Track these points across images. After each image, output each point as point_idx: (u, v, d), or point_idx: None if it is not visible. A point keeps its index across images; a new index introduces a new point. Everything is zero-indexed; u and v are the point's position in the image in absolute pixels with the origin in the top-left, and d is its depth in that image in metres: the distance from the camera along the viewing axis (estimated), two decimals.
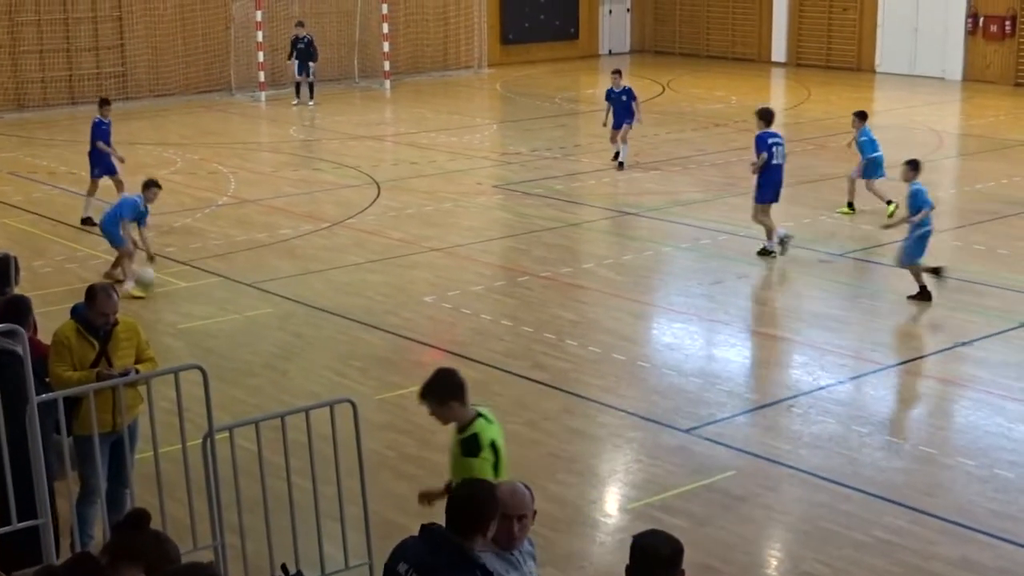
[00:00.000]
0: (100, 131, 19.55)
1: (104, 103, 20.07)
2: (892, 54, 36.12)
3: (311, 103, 31.20)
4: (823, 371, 13.02)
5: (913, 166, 15.53)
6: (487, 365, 13.18)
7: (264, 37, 32.78)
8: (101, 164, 19.51)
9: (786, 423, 11.72)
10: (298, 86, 31.53)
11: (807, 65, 37.79)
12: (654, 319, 15.22)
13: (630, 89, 23.42)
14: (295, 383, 12.77)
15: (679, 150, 24.87)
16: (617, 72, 23.67)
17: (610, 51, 41.93)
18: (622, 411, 11.98)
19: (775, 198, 17.29)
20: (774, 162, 17.23)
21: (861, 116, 19.81)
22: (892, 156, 23.58)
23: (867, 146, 19.66)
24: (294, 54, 31.49)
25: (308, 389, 12.49)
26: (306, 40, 31.48)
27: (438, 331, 14.49)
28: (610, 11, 42.01)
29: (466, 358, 13.36)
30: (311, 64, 31.36)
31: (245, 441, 8.01)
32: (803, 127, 27.98)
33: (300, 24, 32.05)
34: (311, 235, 18.75)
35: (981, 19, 34.29)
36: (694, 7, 40.95)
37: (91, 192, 19.50)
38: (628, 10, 42.50)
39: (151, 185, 16.17)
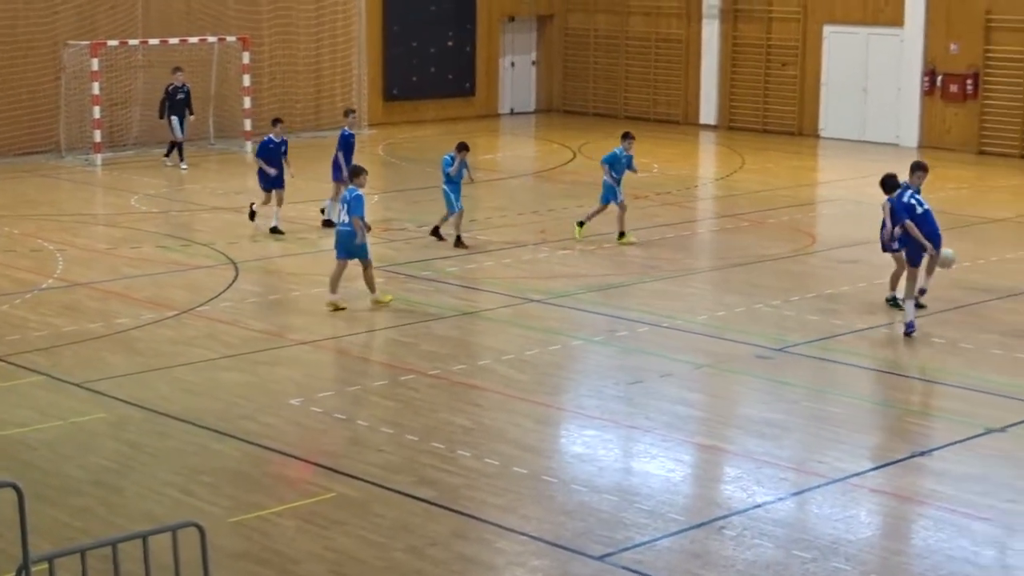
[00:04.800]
0: None
1: None
2: (838, 117, 36.92)
3: (184, 166, 31.16)
4: (760, 486, 13.10)
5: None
6: (364, 481, 13.08)
7: (101, 89, 32.64)
8: None
9: (717, 548, 11.75)
10: (172, 144, 31.50)
11: (740, 128, 38.51)
12: (562, 425, 15.24)
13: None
14: (131, 503, 12.58)
15: (593, 226, 25.07)
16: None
17: (512, 110, 42.38)
18: (524, 535, 11.93)
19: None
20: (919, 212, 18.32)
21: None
22: (842, 234, 24.09)
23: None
24: (168, 107, 31.49)
25: (147, 511, 12.30)
26: (186, 90, 31.53)
27: (306, 440, 14.38)
28: (513, 64, 42.53)
29: (339, 472, 13.26)
30: (189, 118, 31.55)
31: (69, 574, 7.85)
32: (737, 200, 28.43)
33: (177, 70, 32.05)
34: (154, 325, 18.58)
35: (939, 78, 35.22)
36: (610, 62, 41.60)
37: None
38: (534, 63, 43.06)
39: None
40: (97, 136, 32.48)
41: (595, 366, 17.32)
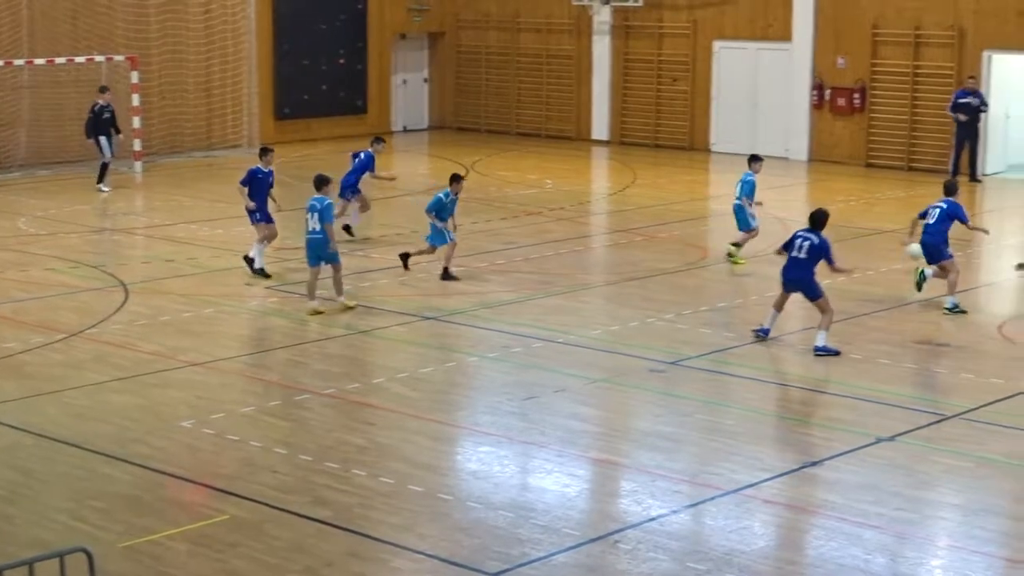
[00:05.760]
0: None
1: None
2: (729, 131, 37.29)
3: (105, 188, 30.75)
4: (654, 499, 13.20)
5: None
6: (258, 502, 13.01)
7: None
8: None
9: (612, 562, 11.82)
10: (103, 167, 31.03)
11: (632, 144, 38.76)
12: (457, 443, 15.26)
13: None
14: (20, 530, 12.41)
15: (486, 243, 25.14)
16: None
17: (405, 127, 42.36)
18: (420, 553, 11.93)
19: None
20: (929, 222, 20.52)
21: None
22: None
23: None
24: (95, 127, 31.03)
25: (36, 537, 12.15)
26: (111, 109, 31.16)
27: (198, 462, 14.27)
28: (404, 82, 42.52)
29: (232, 494, 13.18)
30: (117, 138, 31.17)
31: None
32: (630, 215, 28.62)
33: (104, 90, 31.61)
34: (43, 349, 18.36)
35: (827, 92, 35.70)
36: (502, 79, 41.72)
37: None
38: (426, 81, 43.09)
39: None
40: None
41: (490, 382, 17.35)
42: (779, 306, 18.67)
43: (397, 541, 12.19)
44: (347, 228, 25.30)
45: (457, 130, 42.31)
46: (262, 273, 22.34)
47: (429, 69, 43.20)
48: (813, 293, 18.32)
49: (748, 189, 23.72)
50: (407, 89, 42.69)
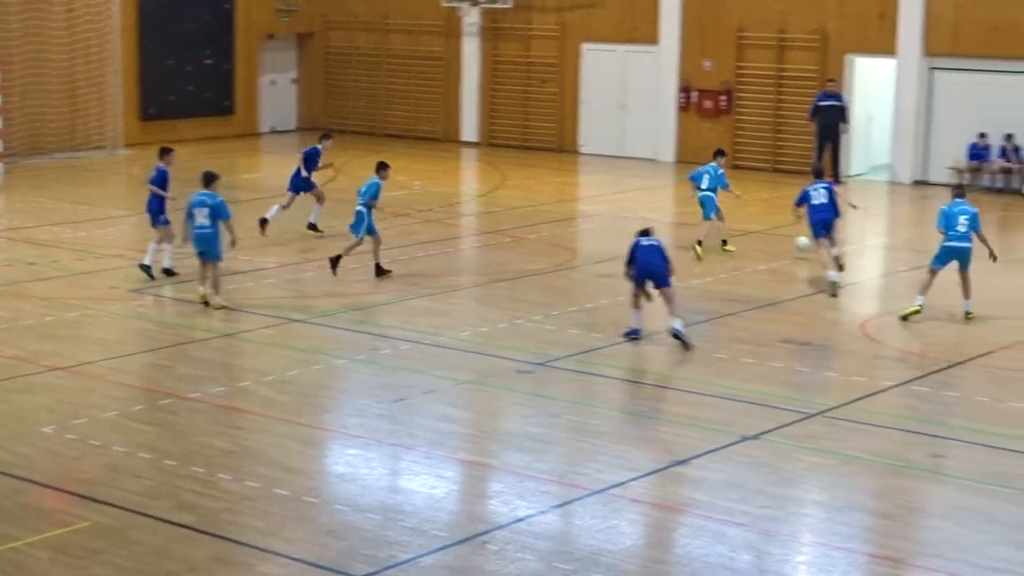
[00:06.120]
0: None
1: None
2: (597, 133, 37.51)
3: None
4: (522, 500, 13.22)
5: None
6: (122, 508, 12.83)
7: None
8: None
9: (480, 563, 11.82)
10: None
11: (501, 145, 38.84)
12: (325, 446, 15.17)
13: None
14: None
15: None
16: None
17: (273, 129, 42.05)
18: (286, 557, 11.84)
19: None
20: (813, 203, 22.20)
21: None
22: (601, 248, 24.43)
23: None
24: None
25: None
26: None
27: (60, 468, 14.03)
28: (273, 82, 42.21)
29: (96, 500, 12.99)
30: None
31: None
32: (499, 216, 28.66)
33: None
34: None
35: (694, 94, 36.06)
36: (371, 80, 41.58)
37: None
38: (294, 81, 42.82)
39: None
40: None
41: (358, 385, 17.28)
42: (636, 305, 18.85)
43: (263, 545, 12.08)
44: (312, 226, 25.76)
45: (326, 131, 41.99)
46: (170, 272, 22.31)
47: (297, 70, 42.93)
48: (667, 282, 18.67)
49: (722, 180, 25.08)
50: (275, 90, 42.37)
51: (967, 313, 20.08)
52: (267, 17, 41.35)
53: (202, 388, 16.66)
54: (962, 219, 19.98)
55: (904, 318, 19.97)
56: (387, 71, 41.34)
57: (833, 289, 21.71)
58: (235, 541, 12.19)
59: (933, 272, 20.17)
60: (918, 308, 20.00)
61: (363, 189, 22.43)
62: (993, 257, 20.23)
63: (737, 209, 29.15)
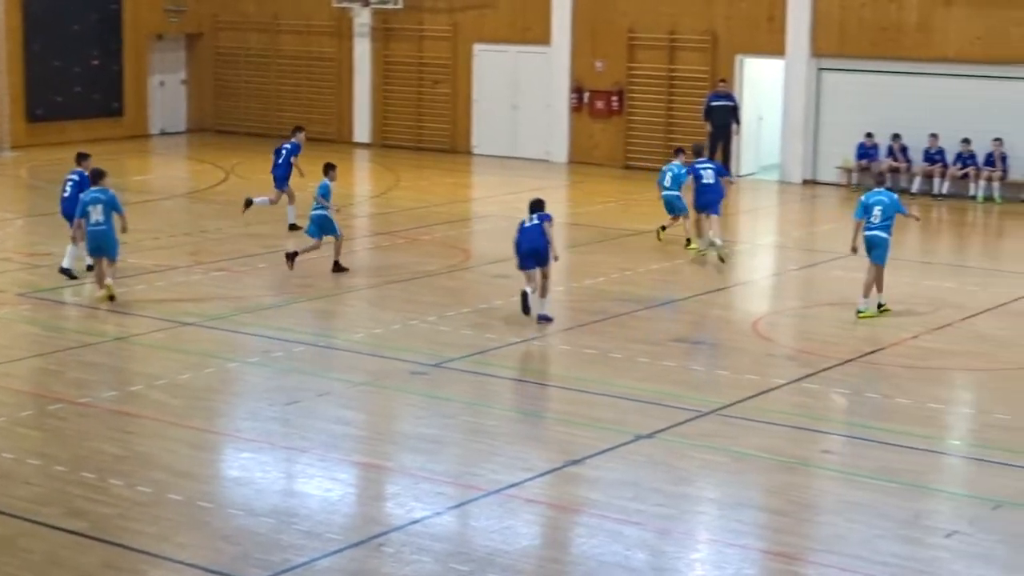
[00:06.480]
0: None
1: None
2: (490, 134, 37.56)
3: None
4: (418, 502, 13.20)
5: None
6: (11, 515, 12.64)
7: None
8: None
9: (376, 565, 11.79)
10: None
11: (395, 146, 38.76)
12: (218, 450, 15.05)
13: None
14: None
15: (246, 246, 24.88)
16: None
17: (163, 130, 41.66)
18: (179, 563, 11.73)
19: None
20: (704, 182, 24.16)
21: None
22: (494, 249, 24.48)
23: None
24: None
25: None
26: None
27: None
28: (162, 83, 41.81)
29: None
30: None
31: None
32: (392, 217, 28.60)
33: None
34: None
35: (586, 95, 36.20)
36: (262, 81, 41.33)
37: None
38: (184, 83, 42.44)
39: None
40: None
41: (251, 388, 17.17)
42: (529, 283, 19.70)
43: (156, 551, 11.96)
44: (294, 227, 26.04)
45: (217, 132, 41.77)
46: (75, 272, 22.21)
47: (187, 71, 42.56)
48: (546, 262, 19.59)
49: (683, 178, 25.19)
50: (165, 91, 41.98)
51: (880, 307, 20.44)
52: (156, 17, 40.95)
53: (93, 393, 16.47)
54: (876, 210, 20.28)
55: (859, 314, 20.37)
56: (278, 72, 41.11)
57: (720, 252, 23.58)
58: (127, 547, 12.06)
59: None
60: (864, 309, 20.40)
61: (317, 194, 22.78)
62: (916, 218, 21.84)
63: (629, 209, 29.36)
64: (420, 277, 22.76)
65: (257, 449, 14.75)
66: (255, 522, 12.67)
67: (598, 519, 12.85)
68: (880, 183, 20.95)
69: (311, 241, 22.65)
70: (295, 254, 22.54)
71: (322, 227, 22.54)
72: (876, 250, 20.19)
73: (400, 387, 17.02)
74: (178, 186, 33.40)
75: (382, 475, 14.20)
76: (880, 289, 20.35)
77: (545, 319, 19.56)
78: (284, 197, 26.33)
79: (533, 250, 19.51)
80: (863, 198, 20.56)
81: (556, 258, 19.89)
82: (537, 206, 20.00)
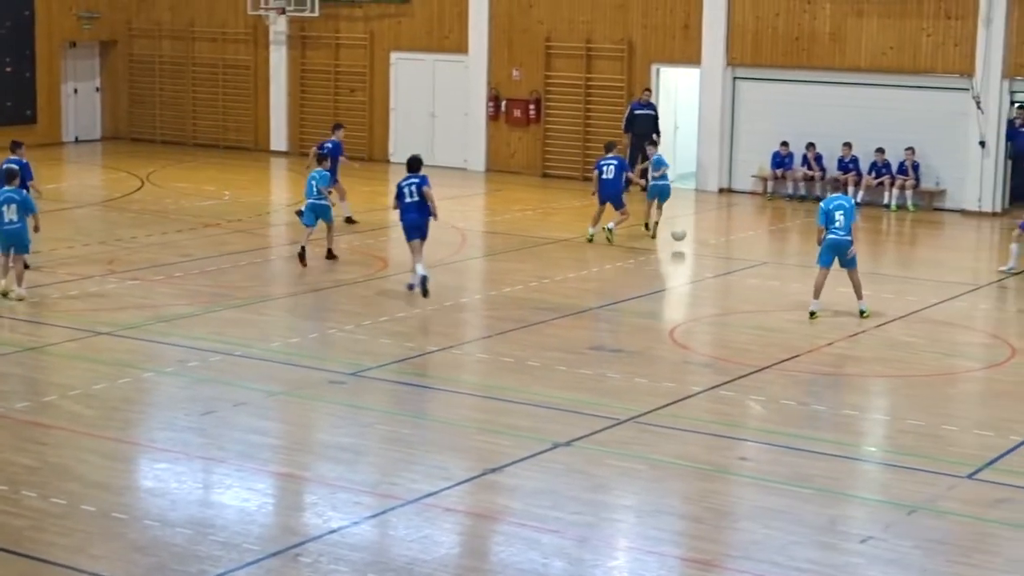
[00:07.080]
0: None
1: None
2: (408, 142, 37.41)
3: None
4: (335, 511, 13.14)
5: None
6: None
7: None
8: None
9: None
10: None
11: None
12: (133, 460, 14.90)
13: None
14: None
15: (161, 255, 24.68)
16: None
17: (77, 138, 41.29)
18: (93, 574, 11.61)
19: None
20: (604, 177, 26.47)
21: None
22: (411, 258, 24.38)
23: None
24: None
25: None
26: None
27: None
28: (76, 91, 41.44)
29: None
30: None
31: None
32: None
33: None
34: None
35: (503, 103, 36.27)
36: (177, 89, 41.07)
37: None
38: (98, 90, 42.08)
39: None
40: None
41: (166, 398, 17.02)
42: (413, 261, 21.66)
43: (70, 563, 11.83)
44: (349, 219, 28.07)
45: (132, 140, 41.47)
46: None
47: (101, 78, 42.21)
48: (425, 235, 21.92)
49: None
50: (78, 98, 41.61)
51: (861, 312, 20.88)
52: (69, 24, 40.58)
53: (5, 403, 16.25)
54: (838, 215, 20.66)
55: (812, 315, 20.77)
56: (193, 80, 40.88)
57: (609, 235, 26.25)
58: (40, 559, 11.91)
59: (822, 271, 20.88)
60: (814, 312, 20.82)
61: (317, 184, 24.22)
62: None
63: (546, 217, 29.43)
64: (337, 286, 22.69)
65: (173, 460, 14.62)
66: (171, 533, 12.56)
67: (516, 527, 12.85)
68: (836, 189, 22.47)
69: (307, 231, 24.21)
70: (304, 251, 23.92)
71: (319, 213, 24.18)
72: (842, 254, 20.73)
73: (318, 396, 16.95)
74: (93, 194, 33.07)
75: (299, 485, 14.13)
76: (860, 295, 20.98)
77: (424, 280, 21.40)
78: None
79: (416, 225, 21.87)
80: (823, 204, 21.03)
81: (435, 217, 22.00)
82: (414, 164, 22.22)
